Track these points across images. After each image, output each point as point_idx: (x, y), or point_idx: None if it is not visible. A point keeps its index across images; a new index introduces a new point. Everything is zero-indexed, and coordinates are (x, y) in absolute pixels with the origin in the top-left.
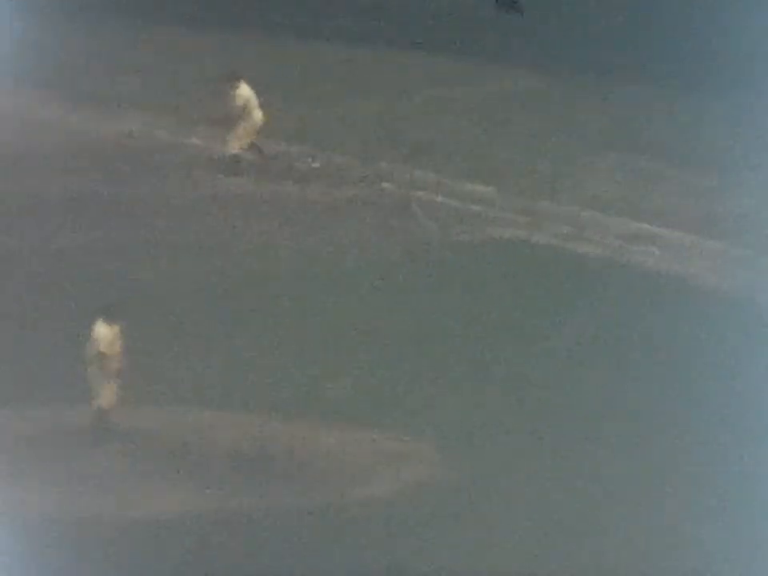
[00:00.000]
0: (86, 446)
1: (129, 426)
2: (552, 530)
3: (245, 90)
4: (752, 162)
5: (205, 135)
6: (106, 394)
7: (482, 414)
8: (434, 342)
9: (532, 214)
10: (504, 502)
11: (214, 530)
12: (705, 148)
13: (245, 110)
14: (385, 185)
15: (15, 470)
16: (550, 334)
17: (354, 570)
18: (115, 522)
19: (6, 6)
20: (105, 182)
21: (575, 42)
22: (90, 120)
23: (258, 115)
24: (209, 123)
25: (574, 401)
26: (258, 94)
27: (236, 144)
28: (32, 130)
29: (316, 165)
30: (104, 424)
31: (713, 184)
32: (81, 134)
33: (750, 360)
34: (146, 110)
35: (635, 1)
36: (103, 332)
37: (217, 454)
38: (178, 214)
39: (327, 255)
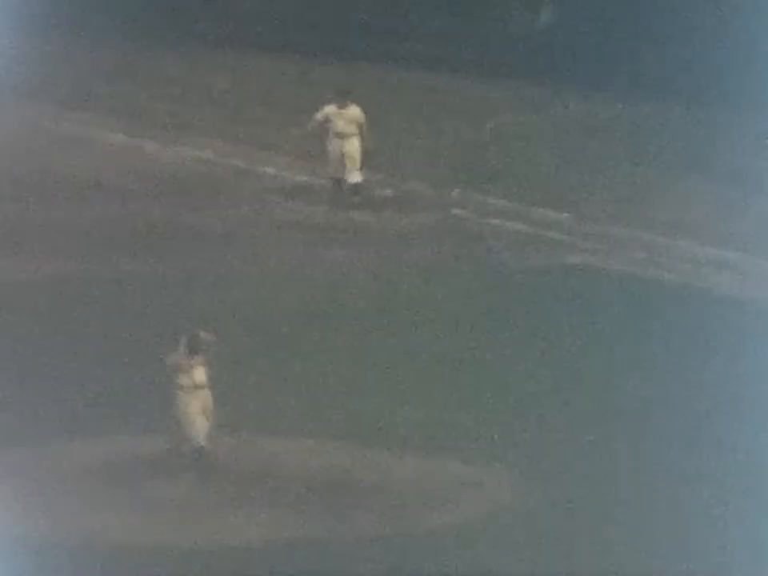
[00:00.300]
0: (162, 475)
1: (205, 455)
2: (625, 552)
3: (356, 113)
4: None
5: (279, 163)
6: (196, 426)
7: (554, 440)
8: (509, 369)
9: (605, 240)
10: (579, 527)
11: (290, 558)
12: None
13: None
14: (457, 211)
15: (89, 499)
16: (625, 360)
17: None
18: (190, 551)
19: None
20: (177, 210)
21: (649, 66)
22: (163, 147)
23: (352, 145)
24: (282, 151)
25: (649, 427)
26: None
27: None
28: (101, 156)
29: (388, 192)
30: (183, 453)
31: None
32: (152, 162)
33: None
34: (218, 137)
35: (706, 24)
36: (189, 361)
37: (292, 481)
38: (250, 242)
39: (400, 283)
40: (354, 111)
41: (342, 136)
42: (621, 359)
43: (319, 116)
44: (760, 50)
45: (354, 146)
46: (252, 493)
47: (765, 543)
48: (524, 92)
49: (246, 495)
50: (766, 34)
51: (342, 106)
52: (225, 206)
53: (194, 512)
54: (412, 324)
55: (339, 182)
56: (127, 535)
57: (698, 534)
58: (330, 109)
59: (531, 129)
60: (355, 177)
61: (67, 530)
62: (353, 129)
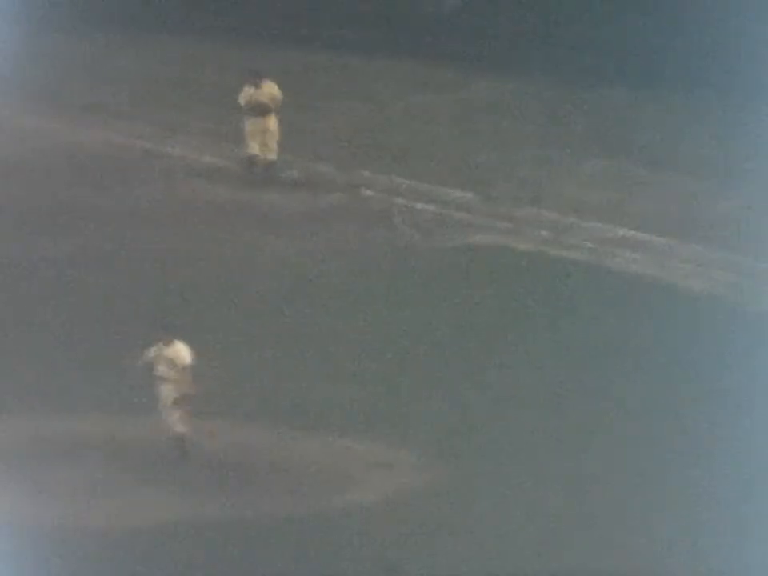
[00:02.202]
0: (65, 457)
1: (108, 436)
2: (534, 535)
3: (274, 90)
4: (733, 167)
5: (187, 144)
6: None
7: (464, 421)
8: (416, 348)
9: (513, 219)
10: (486, 508)
11: (197, 540)
12: (685, 153)
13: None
14: (365, 192)
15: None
16: (532, 339)
17: None
18: (97, 533)
19: None
20: (87, 191)
21: (557, 47)
22: (73, 129)
23: (272, 122)
24: (191, 132)
25: (557, 405)
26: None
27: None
28: (10, 138)
29: (296, 173)
30: (82, 433)
31: (693, 189)
32: (62, 143)
33: (732, 362)
34: (128, 119)
35: (615, 4)
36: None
37: (199, 462)
38: (159, 222)
39: (309, 263)
40: (272, 88)
41: (261, 113)
42: (528, 338)
43: (241, 98)
44: (663, 30)
45: (273, 123)
46: (160, 473)
47: (765, 543)
48: (432, 72)
49: (155, 476)
50: (676, 9)
51: (258, 84)
52: (133, 187)
53: (98, 494)
54: (320, 304)
55: (253, 160)
56: (26, 516)
57: (598, 509)
58: (248, 89)
59: (439, 109)
60: (274, 154)
61: None
62: (272, 106)
